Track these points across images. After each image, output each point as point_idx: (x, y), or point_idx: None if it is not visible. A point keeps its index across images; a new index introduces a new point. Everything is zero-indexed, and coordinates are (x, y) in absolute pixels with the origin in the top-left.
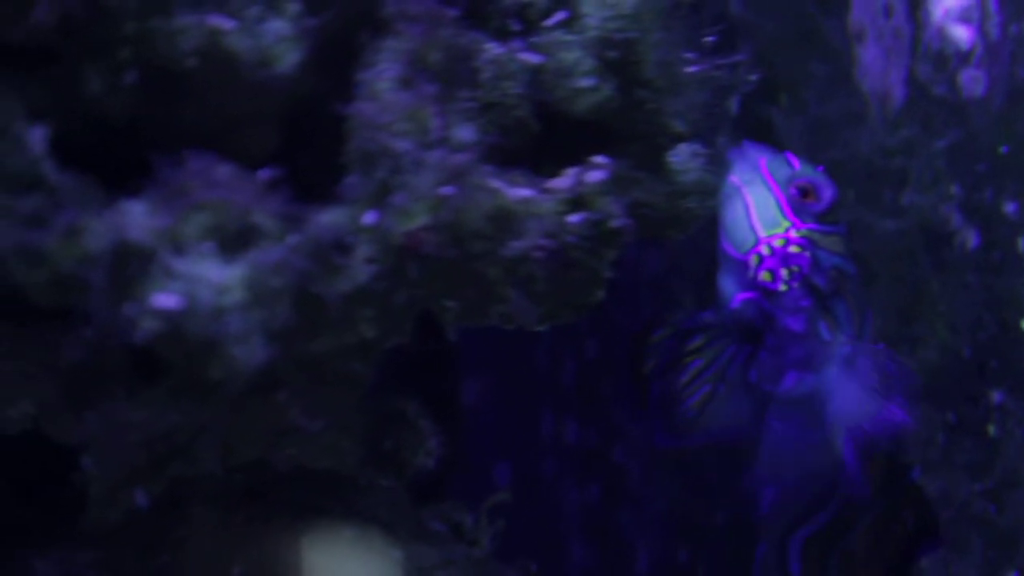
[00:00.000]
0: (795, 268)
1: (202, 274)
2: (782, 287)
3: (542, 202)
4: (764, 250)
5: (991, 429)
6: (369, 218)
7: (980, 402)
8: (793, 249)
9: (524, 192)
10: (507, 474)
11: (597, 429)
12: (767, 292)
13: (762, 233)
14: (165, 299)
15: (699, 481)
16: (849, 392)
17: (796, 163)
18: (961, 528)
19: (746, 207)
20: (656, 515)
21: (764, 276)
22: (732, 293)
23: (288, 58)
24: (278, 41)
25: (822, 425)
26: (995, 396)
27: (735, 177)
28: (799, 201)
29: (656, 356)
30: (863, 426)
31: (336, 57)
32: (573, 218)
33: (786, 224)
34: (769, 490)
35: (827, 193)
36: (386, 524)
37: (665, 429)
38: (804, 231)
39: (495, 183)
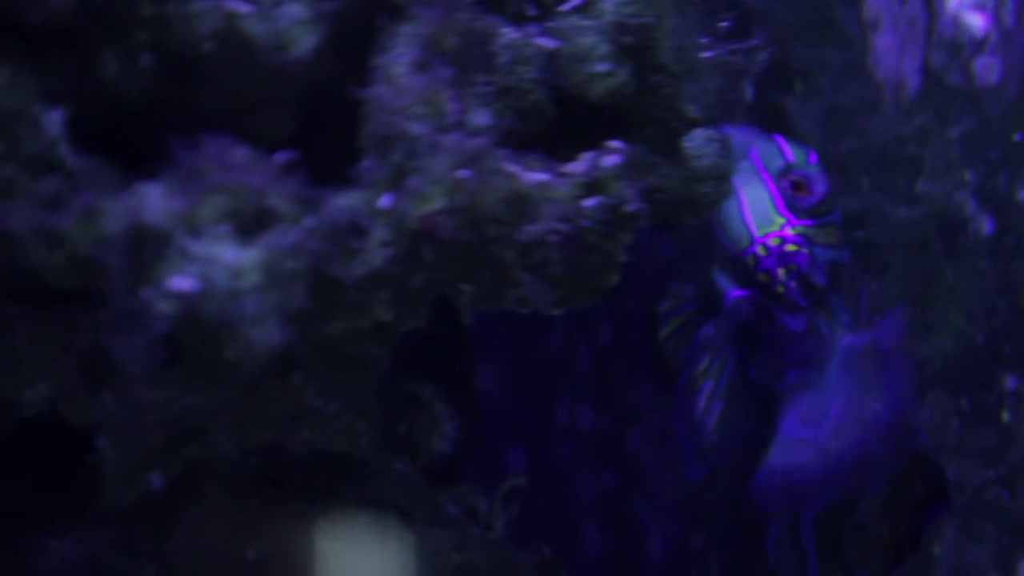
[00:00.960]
0: (793, 267)
1: (218, 256)
2: (780, 288)
3: (558, 186)
4: (760, 251)
5: (1005, 415)
6: (385, 201)
7: (994, 389)
8: (789, 248)
9: (540, 176)
10: (522, 459)
11: (612, 414)
12: (765, 291)
13: (757, 232)
14: (181, 281)
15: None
16: (850, 386)
17: (789, 153)
18: (975, 514)
19: (740, 203)
20: (670, 500)
21: (761, 277)
22: (727, 289)
23: (304, 42)
24: (294, 25)
25: (827, 417)
26: (1009, 382)
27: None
28: (792, 195)
29: (672, 335)
30: (865, 421)
31: (352, 41)
32: (589, 202)
33: (781, 221)
34: (779, 477)
35: (820, 187)
36: (401, 508)
37: (695, 461)
38: (800, 228)
39: (511, 167)
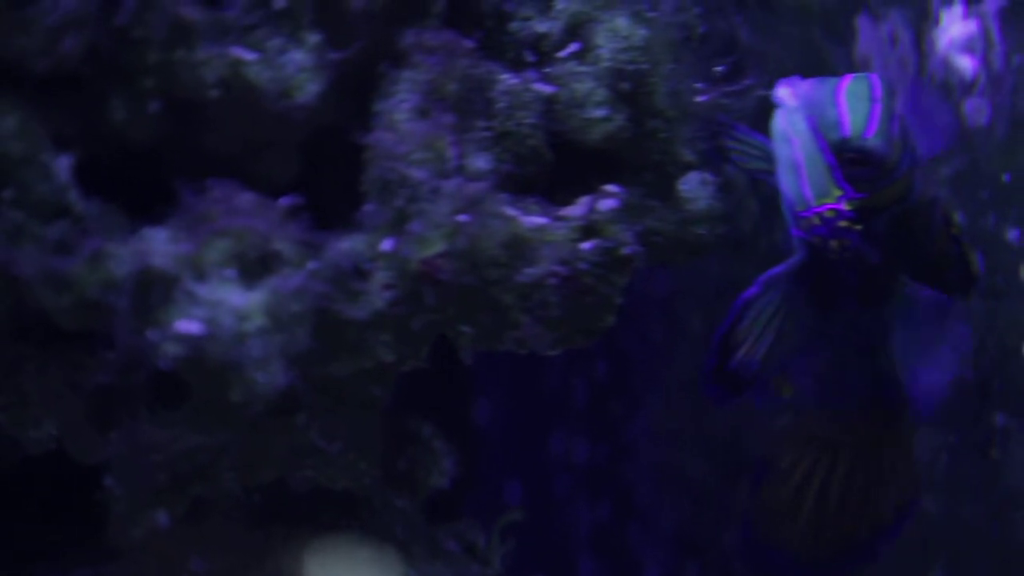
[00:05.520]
0: (845, 242)
1: (224, 300)
2: (831, 256)
3: (555, 230)
4: (815, 220)
5: (994, 451)
6: (387, 245)
7: (983, 424)
8: (842, 224)
9: (538, 220)
10: (519, 493)
11: (607, 448)
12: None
13: (812, 201)
14: (187, 325)
15: (707, 498)
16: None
17: (846, 126)
18: (964, 549)
19: (797, 166)
20: (665, 532)
21: (815, 240)
22: (790, 221)
23: (308, 89)
24: (299, 72)
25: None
26: (998, 418)
27: (786, 123)
28: (850, 168)
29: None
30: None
31: (355, 87)
32: (586, 245)
33: (837, 193)
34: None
35: (877, 157)
36: (401, 543)
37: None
38: (856, 202)
39: (510, 211)
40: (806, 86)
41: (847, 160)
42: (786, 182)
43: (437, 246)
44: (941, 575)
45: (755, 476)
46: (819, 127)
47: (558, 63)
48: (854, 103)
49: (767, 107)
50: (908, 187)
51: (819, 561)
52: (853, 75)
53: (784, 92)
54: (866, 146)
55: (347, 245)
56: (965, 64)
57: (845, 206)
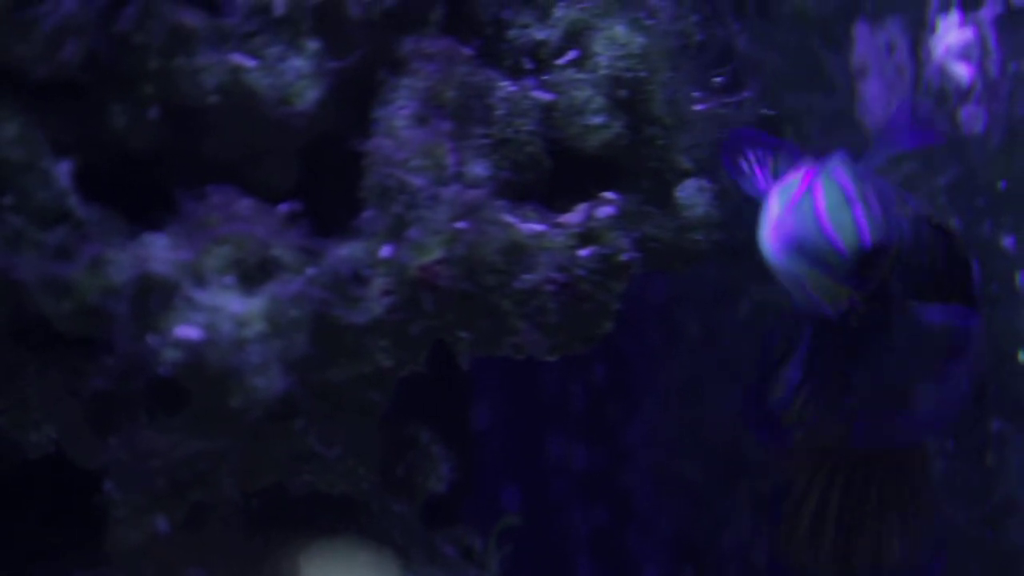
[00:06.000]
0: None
1: (223, 306)
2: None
3: (553, 236)
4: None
5: (989, 457)
6: (385, 251)
7: (978, 430)
8: (859, 301)
9: (536, 227)
10: (516, 498)
11: (605, 453)
12: None
13: (827, 308)
14: (187, 330)
15: (705, 502)
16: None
17: (841, 246)
18: (959, 553)
19: (807, 291)
20: (663, 537)
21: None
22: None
23: (308, 96)
24: (298, 79)
25: None
26: (993, 424)
27: (788, 269)
28: (858, 274)
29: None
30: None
31: (354, 94)
32: (583, 252)
33: (848, 293)
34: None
35: (880, 257)
36: (399, 548)
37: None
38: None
39: (508, 218)
40: (788, 223)
41: (853, 272)
42: (797, 296)
43: (435, 252)
44: None
45: (772, 504)
46: (819, 261)
47: (556, 70)
48: (838, 219)
49: (763, 117)
50: (903, 241)
51: None
52: (819, 180)
53: (772, 240)
54: (867, 254)
55: (346, 251)
56: (961, 71)
57: (858, 296)
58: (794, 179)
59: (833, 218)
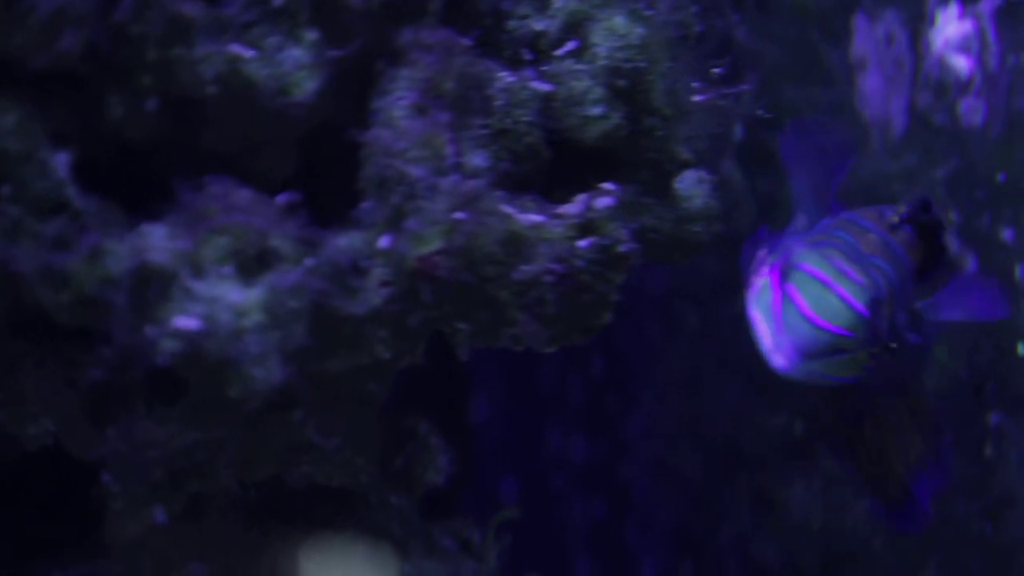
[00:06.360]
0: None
1: (222, 296)
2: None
3: (552, 227)
4: None
5: (988, 450)
6: (384, 242)
7: (977, 423)
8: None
9: (535, 217)
10: (515, 490)
11: (604, 445)
12: None
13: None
14: (185, 321)
15: (703, 495)
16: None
17: (838, 329)
18: (958, 546)
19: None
20: (661, 529)
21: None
22: None
23: (306, 86)
24: (297, 69)
25: None
26: (992, 418)
27: (794, 371)
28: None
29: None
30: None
31: (353, 85)
32: (582, 243)
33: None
34: None
35: (879, 323)
36: (398, 540)
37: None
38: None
39: (507, 208)
40: (786, 342)
41: (866, 339)
42: (825, 384)
43: (434, 243)
44: (934, 574)
45: (835, 452)
46: (830, 353)
47: (555, 61)
48: (826, 308)
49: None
50: (889, 282)
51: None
52: (789, 281)
53: (780, 364)
54: (868, 318)
55: (344, 242)
56: (961, 64)
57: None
58: (762, 286)
59: (822, 311)
